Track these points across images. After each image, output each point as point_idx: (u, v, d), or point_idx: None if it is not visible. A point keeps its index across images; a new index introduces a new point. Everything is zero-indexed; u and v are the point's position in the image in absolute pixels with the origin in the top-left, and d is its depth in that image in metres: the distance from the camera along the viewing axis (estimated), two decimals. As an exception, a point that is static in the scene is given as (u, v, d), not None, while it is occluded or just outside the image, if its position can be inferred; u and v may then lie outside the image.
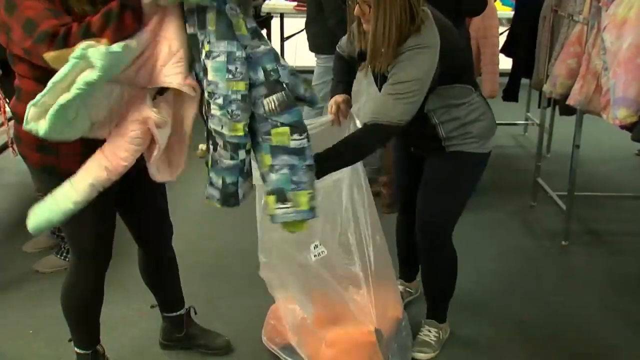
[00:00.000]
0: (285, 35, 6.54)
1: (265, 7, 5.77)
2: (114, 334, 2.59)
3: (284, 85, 1.83)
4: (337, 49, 2.53)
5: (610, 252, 3.44)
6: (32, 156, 1.96)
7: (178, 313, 2.48)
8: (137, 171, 1.91)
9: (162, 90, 1.92)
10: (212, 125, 1.83)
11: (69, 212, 1.81)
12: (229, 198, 1.90)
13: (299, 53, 6.40)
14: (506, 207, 3.93)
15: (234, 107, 1.78)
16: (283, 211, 1.87)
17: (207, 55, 1.79)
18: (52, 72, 1.79)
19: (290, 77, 1.86)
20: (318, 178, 1.98)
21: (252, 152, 1.92)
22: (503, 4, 5.25)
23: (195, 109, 1.94)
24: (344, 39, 2.47)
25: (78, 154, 1.91)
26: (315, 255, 2.26)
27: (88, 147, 1.90)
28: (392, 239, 2.74)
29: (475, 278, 3.09)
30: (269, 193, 1.89)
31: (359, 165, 2.30)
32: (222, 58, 1.77)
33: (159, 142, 1.87)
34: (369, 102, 2.97)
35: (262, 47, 1.83)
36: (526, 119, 5.20)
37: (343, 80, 2.51)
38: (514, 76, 4.47)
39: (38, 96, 1.67)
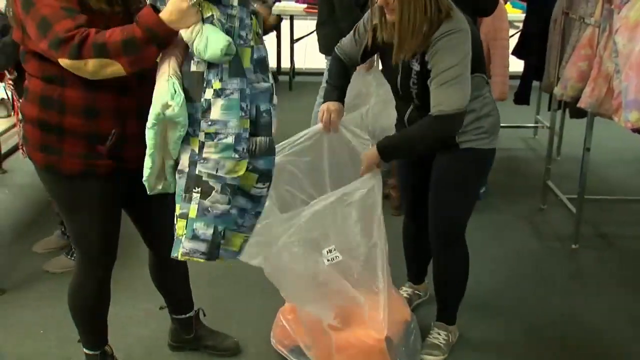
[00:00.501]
0: (295, 37, 6.56)
1: (276, 10, 5.78)
2: (122, 334, 2.60)
3: (271, 131, 1.79)
4: (335, 50, 2.50)
5: (621, 256, 3.42)
6: (36, 156, 1.98)
7: (187, 315, 2.48)
8: None
9: None
10: (205, 169, 1.76)
11: None
12: (215, 250, 1.84)
13: (308, 55, 6.42)
14: (516, 210, 3.92)
15: (244, 145, 1.75)
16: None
17: (218, 94, 1.73)
18: (62, 72, 1.81)
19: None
20: (386, 160, 2.20)
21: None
22: (513, 7, 5.24)
23: None
24: (346, 39, 2.46)
25: (80, 155, 1.92)
26: (328, 260, 2.24)
27: (90, 148, 1.92)
28: (400, 242, 2.75)
29: (485, 281, 3.08)
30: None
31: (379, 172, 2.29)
32: (236, 95, 1.72)
33: None
34: (378, 104, 2.96)
35: (262, 84, 1.79)
36: (536, 122, 5.18)
37: (338, 86, 2.48)
38: (525, 79, 4.46)
39: (146, 171, 1.81)
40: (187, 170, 1.80)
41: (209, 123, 1.74)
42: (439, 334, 2.56)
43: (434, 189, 2.41)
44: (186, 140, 1.80)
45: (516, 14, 5.15)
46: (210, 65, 1.73)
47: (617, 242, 3.58)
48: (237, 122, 1.73)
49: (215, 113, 1.73)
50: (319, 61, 4.11)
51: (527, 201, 4.02)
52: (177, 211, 1.83)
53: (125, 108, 1.93)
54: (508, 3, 5.02)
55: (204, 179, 1.77)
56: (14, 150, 4.22)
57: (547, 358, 2.60)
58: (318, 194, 2.34)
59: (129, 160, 1.95)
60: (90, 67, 1.74)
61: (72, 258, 3.10)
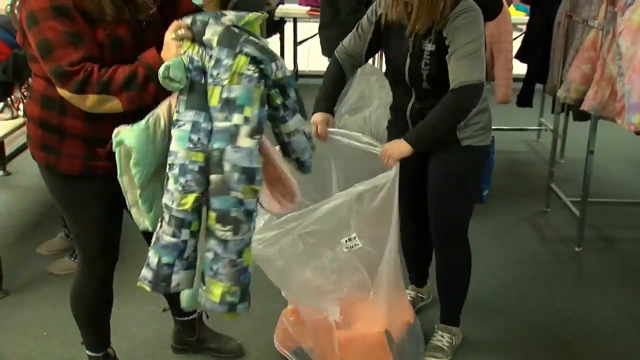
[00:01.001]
0: (298, 39, 6.57)
1: (279, 12, 5.79)
2: (125, 336, 2.61)
3: (223, 169, 1.73)
4: (336, 53, 2.48)
5: (624, 258, 3.41)
6: (37, 154, 2.00)
7: (190, 317, 2.48)
8: None
9: None
10: (165, 200, 1.78)
11: None
12: (160, 282, 1.80)
13: (311, 57, 6.41)
14: (519, 213, 3.91)
15: (188, 177, 1.73)
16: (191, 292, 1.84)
17: (174, 124, 1.77)
18: None
19: (248, 159, 1.74)
20: (419, 149, 2.20)
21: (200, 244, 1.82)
22: (517, 9, 5.23)
23: None
24: (348, 38, 2.45)
25: (79, 157, 1.93)
26: (347, 248, 2.23)
27: (89, 150, 1.92)
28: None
29: (488, 283, 3.08)
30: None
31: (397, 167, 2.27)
32: (187, 127, 1.74)
33: None
34: (381, 107, 2.97)
35: (224, 123, 1.73)
36: (539, 125, 5.17)
37: (327, 96, 2.45)
38: (528, 82, 4.45)
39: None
40: None
41: (169, 154, 1.77)
42: (443, 337, 2.56)
43: (434, 189, 2.41)
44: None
45: (520, 16, 5.15)
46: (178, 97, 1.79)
47: (620, 244, 3.58)
48: (184, 153, 1.73)
49: (172, 144, 1.77)
50: (322, 64, 4.10)
51: (531, 204, 4.02)
52: None
53: (125, 112, 1.93)
54: (512, 6, 5.02)
55: (163, 209, 1.80)
56: (18, 152, 4.24)
57: (551, 361, 2.60)
58: (323, 197, 2.34)
59: None
60: (89, 101, 1.78)
61: (76, 260, 3.10)
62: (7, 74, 3.09)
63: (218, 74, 1.73)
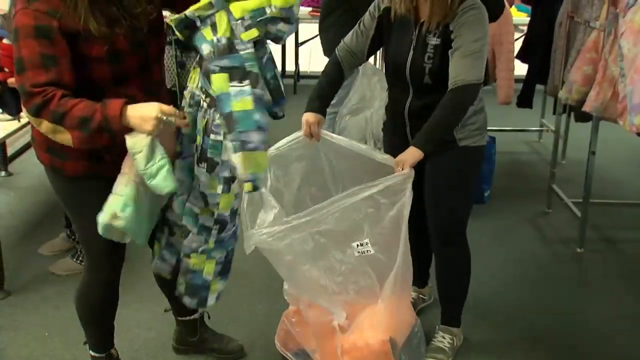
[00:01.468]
0: (300, 40, 6.56)
1: (280, 13, 5.76)
2: (128, 336, 2.61)
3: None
4: (337, 51, 2.47)
5: (626, 260, 3.41)
6: (42, 156, 2.01)
7: (192, 317, 2.48)
8: None
9: None
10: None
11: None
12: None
13: (313, 58, 6.41)
14: (520, 213, 3.91)
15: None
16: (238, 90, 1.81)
17: (179, 155, 2.05)
18: None
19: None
20: (427, 151, 2.18)
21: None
22: (518, 10, 5.24)
23: None
24: (349, 36, 2.45)
25: (85, 158, 1.93)
26: (358, 252, 2.22)
27: (94, 153, 1.93)
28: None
29: (489, 284, 3.08)
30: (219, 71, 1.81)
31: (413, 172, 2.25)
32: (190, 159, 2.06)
33: None
34: (382, 108, 2.97)
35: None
36: (541, 125, 5.17)
37: (322, 95, 2.42)
38: (529, 82, 4.45)
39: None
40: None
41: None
42: (444, 338, 2.56)
43: (432, 190, 2.41)
44: None
45: (521, 17, 5.15)
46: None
47: (622, 246, 3.57)
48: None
49: (178, 174, 2.00)
50: (324, 65, 4.10)
51: (532, 205, 4.02)
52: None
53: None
54: (513, 7, 5.02)
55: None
56: (20, 152, 4.25)
57: (552, 362, 2.60)
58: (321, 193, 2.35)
59: None
60: (43, 127, 1.79)
61: (78, 261, 3.11)
62: None
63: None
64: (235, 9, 1.81)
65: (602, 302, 3.00)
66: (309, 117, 2.36)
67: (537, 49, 4.23)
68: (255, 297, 2.94)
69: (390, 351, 2.30)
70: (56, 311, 2.81)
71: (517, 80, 4.28)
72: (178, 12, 1.88)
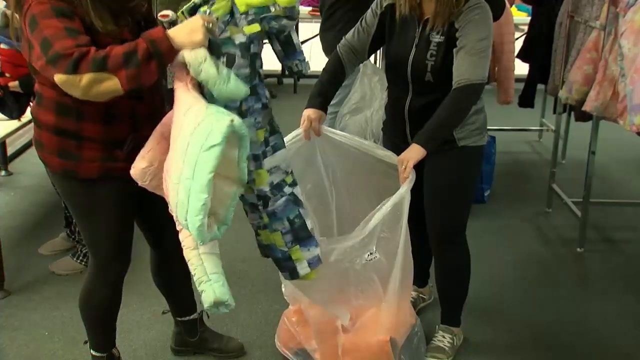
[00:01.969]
0: (300, 40, 6.56)
1: (280, 12, 5.77)
2: (129, 337, 2.61)
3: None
4: (338, 48, 2.47)
5: (626, 260, 3.41)
6: (53, 161, 1.98)
7: (191, 317, 2.48)
8: None
9: None
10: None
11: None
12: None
13: (313, 58, 6.42)
14: (521, 214, 3.91)
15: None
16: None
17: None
18: None
19: None
20: (430, 149, 2.17)
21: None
22: (519, 10, 5.24)
23: None
24: (350, 33, 2.44)
25: (98, 159, 1.93)
26: (366, 260, 2.21)
27: (107, 152, 1.93)
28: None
29: (489, 284, 3.07)
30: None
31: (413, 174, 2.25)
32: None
33: None
34: (382, 108, 2.97)
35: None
36: (541, 125, 5.17)
37: (323, 92, 2.43)
38: (529, 82, 4.45)
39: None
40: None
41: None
42: (444, 337, 2.56)
43: (432, 189, 2.41)
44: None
45: (521, 17, 5.15)
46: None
47: (622, 245, 3.57)
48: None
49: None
50: (324, 64, 4.11)
51: (532, 204, 4.02)
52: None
53: (140, 113, 1.97)
54: (513, 6, 5.02)
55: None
56: (19, 152, 4.25)
57: (552, 362, 2.60)
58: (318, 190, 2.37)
59: None
60: (84, 82, 1.67)
61: (78, 260, 3.12)
62: (29, 86, 3.02)
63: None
64: (240, 3, 1.82)
65: (602, 302, 3.00)
66: (310, 112, 2.36)
67: (537, 48, 4.23)
68: (255, 297, 2.93)
69: (391, 351, 2.30)
70: (57, 311, 2.81)
71: (518, 80, 4.28)
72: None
